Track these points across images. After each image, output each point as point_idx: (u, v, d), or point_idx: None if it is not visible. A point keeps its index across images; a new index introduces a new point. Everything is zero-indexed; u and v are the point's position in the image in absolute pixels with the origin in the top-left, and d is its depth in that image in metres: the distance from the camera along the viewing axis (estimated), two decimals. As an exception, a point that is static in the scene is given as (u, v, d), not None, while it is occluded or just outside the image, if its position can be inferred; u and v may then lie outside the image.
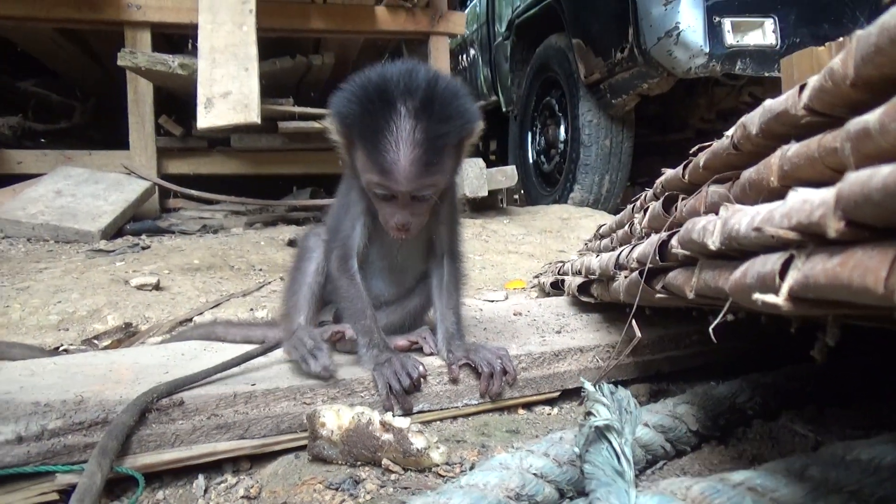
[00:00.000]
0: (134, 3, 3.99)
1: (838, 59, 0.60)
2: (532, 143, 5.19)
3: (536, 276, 2.39)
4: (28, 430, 0.95)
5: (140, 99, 4.07)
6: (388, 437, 0.96)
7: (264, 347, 1.21)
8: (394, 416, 1.01)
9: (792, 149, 0.67)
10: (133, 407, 0.95)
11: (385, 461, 0.95)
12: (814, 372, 1.15)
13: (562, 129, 4.67)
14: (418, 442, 0.95)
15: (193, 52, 3.74)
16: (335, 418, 0.98)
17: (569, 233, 3.50)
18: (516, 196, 6.13)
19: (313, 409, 1.01)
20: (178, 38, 4.57)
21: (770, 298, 0.54)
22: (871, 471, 0.69)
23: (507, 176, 4.03)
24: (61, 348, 1.56)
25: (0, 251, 3.00)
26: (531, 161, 5.18)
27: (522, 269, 2.66)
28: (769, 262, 0.57)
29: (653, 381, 1.30)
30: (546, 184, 4.98)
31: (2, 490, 0.90)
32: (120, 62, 3.61)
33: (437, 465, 0.95)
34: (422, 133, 1.05)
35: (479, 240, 3.19)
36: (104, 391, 1.05)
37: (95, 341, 1.62)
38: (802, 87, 0.68)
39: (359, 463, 0.97)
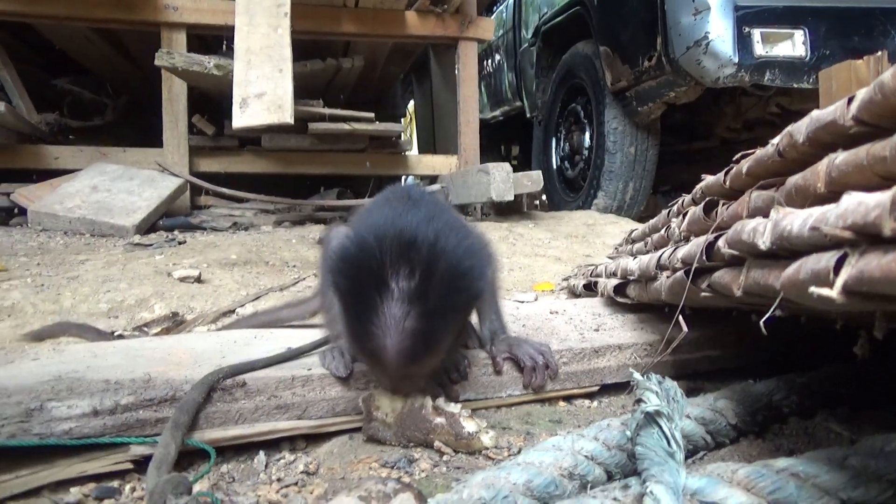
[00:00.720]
0: (171, 5, 4.08)
1: (889, 73, 0.65)
2: (556, 148, 5.23)
3: (566, 279, 2.43)
4: (102, 404, 1.01)
5: (174, 98, 4.16)
6: (440, 420, 1.01)
7: (315, 343, 1.26)
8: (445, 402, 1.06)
9: (840, 157, 0.72)
10: (201, 385, 1.02)
11: (437, 443, 1.01)
12: (848, 374, 1.19)
13: (587, 135, 4.71)
14: (469, 426, 1.00)
15: (227, 54, 3.84)
16: (389, 401, 1.04)
17: (594, 238, 3.54)
18: (536, 201, 6.17)
19: (368, 393, 1.07)
20: (211, 39, 4.67)
21: (825, 292, 0.58)
22: (910, 461, 0.73)
23: (532, 181, 4.07)
24: (115, 334, 1.64)
25: (40, 243, 3.09)
26: (555, 167, 5.23)
27: (550, 272, 2.70)
28: (823, 260, 0.61)
29: (689, 379, 1.34)
30: (569, 189, 5.02)
31: (80, 458, 0.96)
32: (157, 62, 3.71)
33: (487, 448, 1.00)
34: (414, 321, 0.92)
35: (506, 243, 3.24)
36: (168, 372, 1.11)
37: (145, 328, 1.69)
38: (851, 99, 0.73)
39: (411, 444, 1.02)
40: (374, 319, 0.93)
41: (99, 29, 4.46)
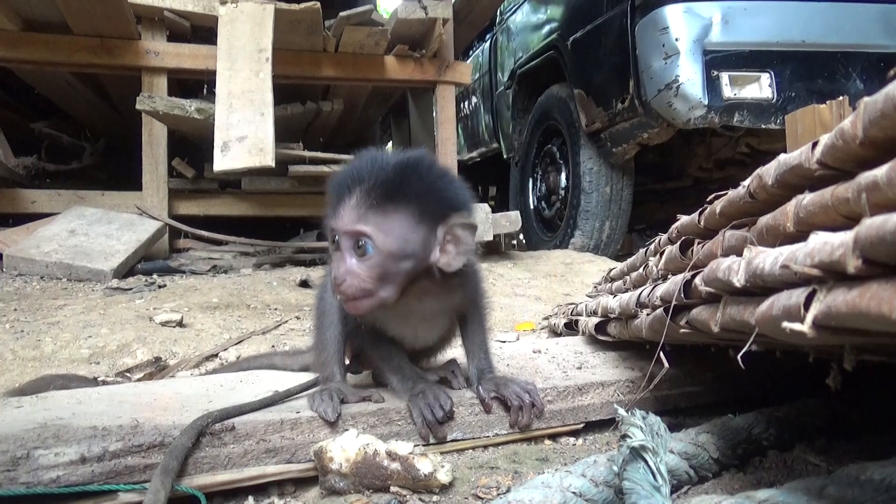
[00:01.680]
0: (152, 50, 4.13)
1: (848, 121, 0.70)
2: (533, 189, 5.32)
3: (546, 318, 2.46)
4: (90, 451, 1.01)
5: (154, 141, 4.18)
6: (395, 465, 1.01)
7: (304, 385, 1.28)
8: (427, 444, 1.07)
9: (807, 198, 0.76)
10: (190, 430, 1.02)
11: (394, 488, 1.01)
12: (822, 406, 1.22)
13: (563, 176, 4.80)
14: (424, 466, 1.00)
15: (208, 97, 3.88)
16: (341, 451, 1.03)
17: (573, 277, 3.58)
18: (514, 241, 6.23)
19: (319, 445, 1.05)
20: (192, 83, 4.72)
21: (797, 326, 0.62)
22: (884, 489, 0.76)
23: (511, 221, 4.13)
24: (98, 380, 1.62)
25: (16, 288, 3.05)
26: (532, 207, 5.30)
27: (531, 312, 2.73)
28: (794, 296, 0.65)
29: (671, 415, 1.37)
30: (547, 229, 5.09)
31: (68, 507, 0.95)
32: (138, 106, 3.73)
33: (444, 485, 1.00)
34: (383, 189, 1.06)
35: (486, 283, 3.27)
36: (155, 417, 1.11)
37: (128, 374, 1.68)
38: (815, 145, 0.77)
39: (370, 492, 1.02)
40: (355, 176, 1.08)
41: (80, 73, 4.48)
